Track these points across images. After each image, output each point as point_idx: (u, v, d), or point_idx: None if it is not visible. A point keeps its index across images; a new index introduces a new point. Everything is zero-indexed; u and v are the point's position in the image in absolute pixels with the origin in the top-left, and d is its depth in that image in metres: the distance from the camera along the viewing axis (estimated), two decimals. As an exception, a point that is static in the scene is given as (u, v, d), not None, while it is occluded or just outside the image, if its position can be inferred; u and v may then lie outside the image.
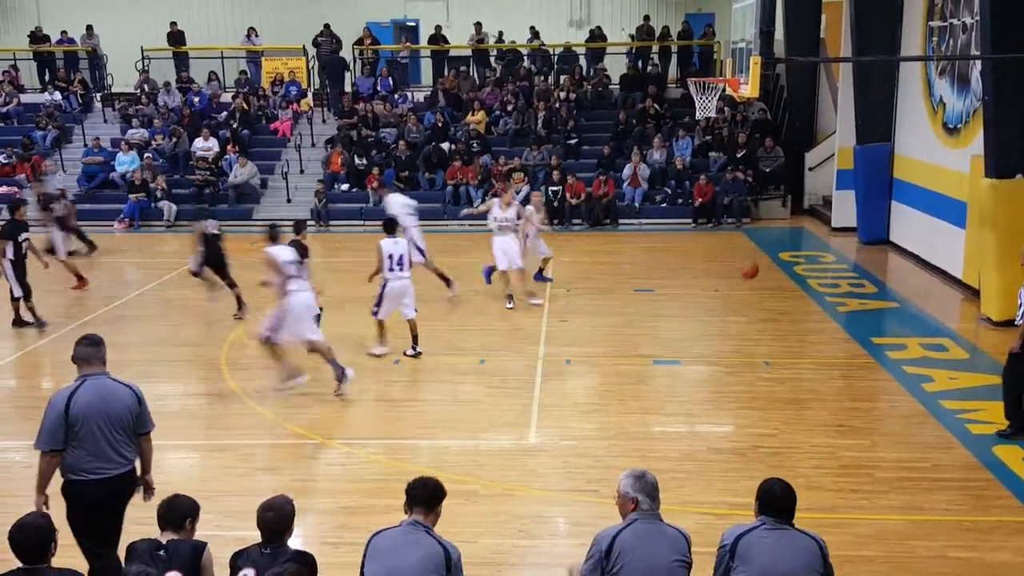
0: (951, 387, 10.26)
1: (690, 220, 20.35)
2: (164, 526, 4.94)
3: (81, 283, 14.84)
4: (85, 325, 12.40)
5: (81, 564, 5.62)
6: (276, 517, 4.77)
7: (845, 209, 18.92)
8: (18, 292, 12.69)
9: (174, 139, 22.44)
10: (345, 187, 21.53)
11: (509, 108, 22.99)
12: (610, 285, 15.09)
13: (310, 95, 24.83)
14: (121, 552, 5.00)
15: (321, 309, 11.02)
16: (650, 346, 12.04)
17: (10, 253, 12.54)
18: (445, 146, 22.09)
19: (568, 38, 26.64)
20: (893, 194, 17.84)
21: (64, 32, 26.35)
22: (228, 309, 13.25)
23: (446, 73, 24.63)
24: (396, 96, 24.19)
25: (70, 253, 16.12)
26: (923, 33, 16.45)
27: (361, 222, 20.35)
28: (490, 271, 14.30)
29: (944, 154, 15.53)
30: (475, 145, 21.87)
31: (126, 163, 21.82)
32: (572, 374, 11.02)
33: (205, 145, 22.05)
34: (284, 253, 10.18)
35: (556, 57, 25.26)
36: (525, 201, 20.43)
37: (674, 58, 25.11)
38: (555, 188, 20.35)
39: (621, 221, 20.41)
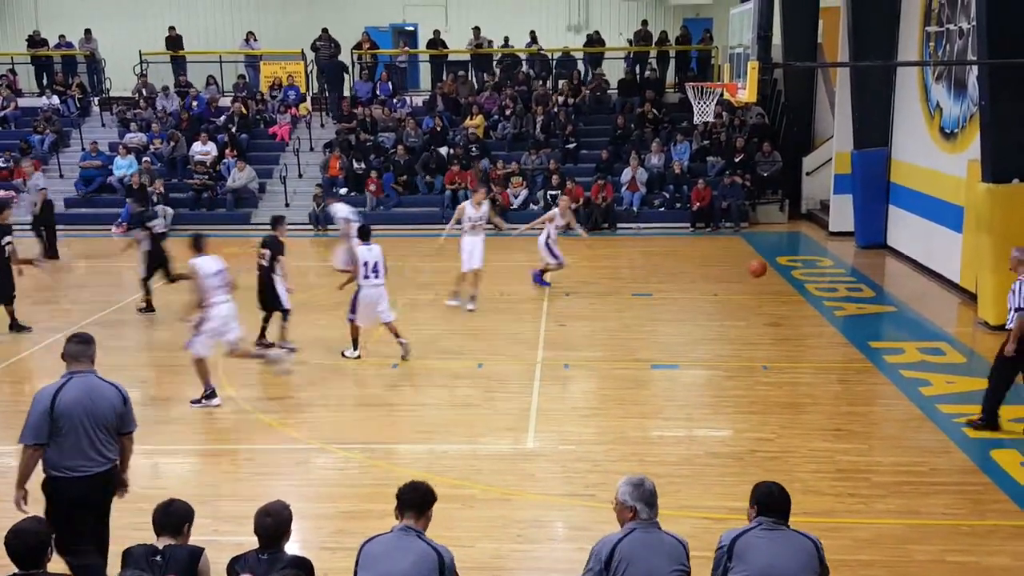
0: (948, 391, 10.26)
1: (688, 224, 20.37)
2: (160, 531, 4.93)
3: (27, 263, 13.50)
4: (83, 329, 12.33)
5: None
6: (274, 522, 4.76)
7: (843, 213, 18.94)
8: None
9: (172, 143, 22.45)
10: (343, 191, 21.52)
11: (507, 112, 23.01)
12: (608, 289, 15.10)
13: (308, 99, 24.86)
14: (116, 557, 4.98)
15: (286, 311, 11.58)
16: (648, 350, 12.04)
17: None
18: (443, 150, 22.11)
19: (566, 43, 26.70)
20: (890, 198, 17.87)
21: (62, 36, 26.39)
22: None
23: (444, 77, 24.67)
24: (394, 100, 24.21)
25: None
26: (920, 38, 16.49)
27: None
28: (540, 274, 14.81)
29: (941, 159, 15.56)
30: (474, 149, 21.89)
31: (124, 167, 21.82)
32: (570, 378, 11.02)
33: (203, 149, 22.07)
34: (208, 264, 10.02)
35: (554, 62, 25.29)
36: (525, 204, 20.68)
37: (672, 63, 25.16)
38: (554, 192, 20.37)
39: (619, 225, 20.43)
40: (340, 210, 14.63)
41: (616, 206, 20.57)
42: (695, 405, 10.24)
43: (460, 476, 8.24)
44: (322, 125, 24.06)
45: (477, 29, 25.32)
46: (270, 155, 22.98)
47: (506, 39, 25.62)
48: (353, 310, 11.38)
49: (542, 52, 25.26)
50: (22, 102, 25.25)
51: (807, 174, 21.53)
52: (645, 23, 25.53)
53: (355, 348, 11.57)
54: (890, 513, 7.55)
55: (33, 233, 17.59)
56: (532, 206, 20.69)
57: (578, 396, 10.56)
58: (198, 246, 10.22)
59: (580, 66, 25.19)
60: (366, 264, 11.26)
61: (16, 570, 4.47)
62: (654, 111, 22.82)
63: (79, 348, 5.98)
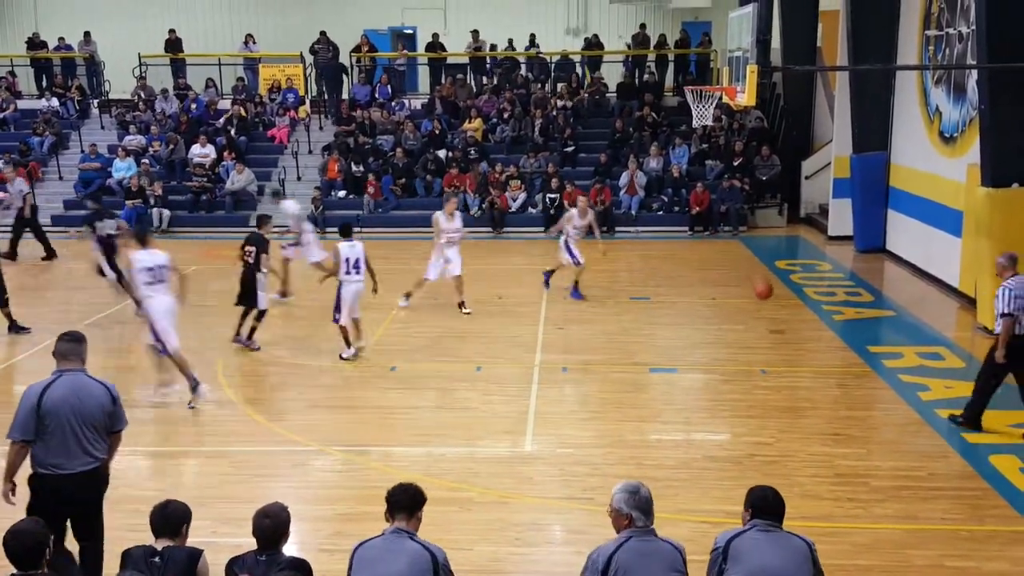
0: (947, 396, 10.23)
1: (687, 228, 20.36)
2: (159, 533, 4.92)
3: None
4: (82, 329, 12.33)
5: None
6: (272, 524, 4.76)
7: (841, 217, 18.95)
8: None
9: (171, 146, 22.44)
10: (342, 194, 21.53)
11: (506, 116, 23.02)
12: (606, 293, 15.09)
13: (307, 102, 24.86)
14: (115, 559, 4.97)
15: (262, 312, 11.76)
16: (646, 354, 12.04)
17: None
18: (442, 153, 22.10)
19: (565, 46, 26.70)
20: (889, 203, 17.87)
21: (62, 38, 26.40)
22: (227, 314, 13.19)
23: (443, 80, 24.67)
24: (393, 103, 24.23)
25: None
26: (919, 42, 16.51)
27: (358, 229, 20.26)
28: (549, 275, 14.87)
29: (940, 163, 15.57)
30: (472, 152, 21.90)
31: (123, 169, 21.81)
32: (568, 382, 11.01)
33: (202, 152, 22.06)
34: (143, 258, 10.03)
35: (553, 65, 25.31)
36: (523, 208, 20.67)
37: (671, 66, 25.18)
38: (552, 196, 20.37)
39: (618, 229, 20.40)
40: (290, 207, 14.99)
41: (614, 209, 20.56)
42: (693, 409, 10.24)
43: (458, 479, 8.23)
44: (321, 128, 24.05)
45: (476, 32, 25.35)
46: (269, 158, 22.97)
47: (510, 41, 25.60)
48: (337, 309, 11.43)
49: (541, 55, 25.29)
50: (21, 104, 25.25)
51: (806, 178, 21.54)
52: (644, 26, 25.56)
53: (349, 347, 11.61)
54: (888, 518, 7.55)
55: (12, 233, 17.91)
56: (531, 209, 20.71)
57: (576, 399, 10.56)
58: (141, 240, 10.35)
59: (579, 69, 25.21)
60: (347, 260, 11.36)
61: (15, 571, 4.46)
62: (653, 115, 22.83)
63: (69, 346, 5.99)
